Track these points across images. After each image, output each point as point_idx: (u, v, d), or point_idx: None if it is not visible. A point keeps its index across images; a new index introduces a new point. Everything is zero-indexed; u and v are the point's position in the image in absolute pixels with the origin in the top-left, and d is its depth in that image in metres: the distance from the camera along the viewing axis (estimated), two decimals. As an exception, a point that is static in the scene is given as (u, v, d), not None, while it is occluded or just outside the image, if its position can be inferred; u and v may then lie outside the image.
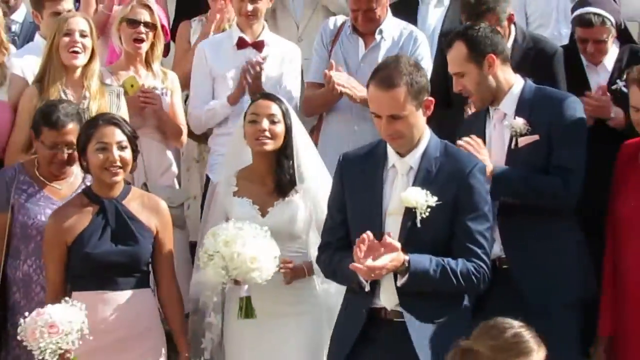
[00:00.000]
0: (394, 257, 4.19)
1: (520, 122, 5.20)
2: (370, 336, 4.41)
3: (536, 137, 5.19)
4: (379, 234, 4.33)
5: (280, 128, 5.35)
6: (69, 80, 6.25)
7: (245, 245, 4.87)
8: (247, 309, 5.13)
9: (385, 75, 4.40)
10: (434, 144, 4.49)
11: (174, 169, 6.96)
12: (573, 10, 6.39)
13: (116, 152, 5.16)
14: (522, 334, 3.84)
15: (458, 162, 4.47)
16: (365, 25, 6.57)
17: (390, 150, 4.48)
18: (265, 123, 5.31)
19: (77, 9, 7.35)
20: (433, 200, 4.27)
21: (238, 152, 5.61)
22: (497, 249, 5.28)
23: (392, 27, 6.68)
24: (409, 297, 4.34)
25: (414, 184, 4.37)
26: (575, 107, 5.27)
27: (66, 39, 6.23)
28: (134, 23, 6.64)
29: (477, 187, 4.41)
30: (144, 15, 6.66)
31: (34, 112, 5.81)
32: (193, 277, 5.85)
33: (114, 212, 5.24)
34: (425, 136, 4.49)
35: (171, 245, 5.52)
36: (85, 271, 5.18)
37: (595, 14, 6.10)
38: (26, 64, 6.69)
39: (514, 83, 5.34)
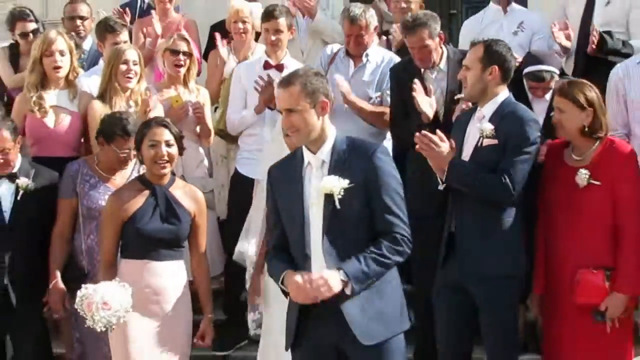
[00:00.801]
0: (333, 284, 4.04)
1: (488, 126, 5.10)
2: (311, 312, 4.21)
3: (496, 141, 5.08)
4: (304, 224, 4.27)
5: None
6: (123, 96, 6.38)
7: None
8: None
9: (285, 77, 4.37)
10: (340, 140, 4.31)
11: (206, 163, 6.98)
12: (523, 63, 6.26)
13: (164, 149, 5.12)
14: None
15: (362, 149, 4.28)
16: (355, 47, 6.57)
17: (305, 152, 4.34)
18: None
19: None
20: (345, 183, 4.11)
21: (278, 152, 5.35)
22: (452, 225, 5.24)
23: (376, 53, 6.69)
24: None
25: (328, 174, 4.19)
26: (531, 126, 5.14)
27: (123, 66, 6.36)
28: (175, 52, 6.72)
29: (381, 165, 4.21)
30: (183, 46, 6.74)
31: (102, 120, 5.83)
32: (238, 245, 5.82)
33: (163, 197, 5.19)
34: (331, 134, 4.30)
35: (205, 228, 5.47)
36: (135, 243, 5.15)
37: (546, 71, 6.04)
38: (92, 82, 6.78)
39: (500, 93, 5.23)
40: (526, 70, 6.13)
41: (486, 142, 5.10)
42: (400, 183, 4.34)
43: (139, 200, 5.18)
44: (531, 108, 5.79)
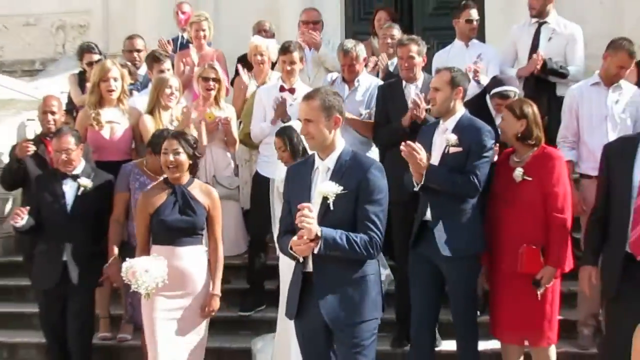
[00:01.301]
0: (313, 226, 3.86)
1: (453, 137, 5.12)
2: (308, 291, 4.08)
3: (460, 149, 5.11)
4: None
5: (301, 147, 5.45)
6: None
7: None
8: None
9: (309, 92, 4.24)
10: (346, 152, 4.12)
11: (232, 165, 6.97)
12: (490, 86, 6.25)
13: (172, 156, 5.04)
14: None
15: (361, 163, 4.09)
16: (348, 74, 6.58)
17: (316, 158, 4.17)
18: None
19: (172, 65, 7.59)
20: (339, 189, 3.95)
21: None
22: (428, 215, 5.19)
23: (366, 79, 6.69)
24: (321, 262, 4.00)
25: (330, 179, 4.03)
26: (488, 136, 5.18)
27: (168, 90, 6.50)
28: (206, 79, 6.76)
29: (373, 180, 4.00)
30: (212, 74, 6.77)
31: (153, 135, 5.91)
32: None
33: (181, 194, 5.11)
34: (339, 146, 4.13)
35: (218, 219, 5.28)
36: (161, 232, 5.10)
37: (511, 91, 6.00)
38: (143, 101, 6.91)
39: (458, 111, 5.27)
40: (494, 90, 6.09)
41: (452, 149, 5.14)
42: (386, 197, 4.14)
43: (163, 197, 5.13)
44: (494, 121, 5.86)
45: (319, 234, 3.88)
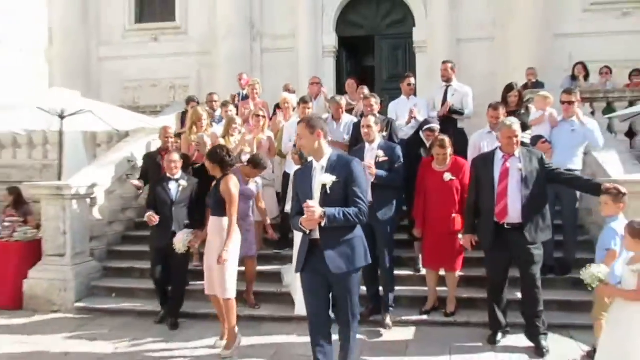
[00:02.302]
0: (317, 210, 3.45)
1: (381, 152, 5.09)
2: (313, 252, 3.59)
3: (386, 158, 5.07)
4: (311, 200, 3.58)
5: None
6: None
7: None
8: None
9: (300, 119, 3.89)
10: (333, 155, 3.64)
11: (271, 166, 6.87)
12: (422, 125, 5.96)
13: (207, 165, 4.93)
14: None
15: (345, 160, 3.63)
16: (336, 115, 6.53)
17: (313, 161, 3.67)
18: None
19: (236, 106, 7.57)
20: (334, 178, 3.53)
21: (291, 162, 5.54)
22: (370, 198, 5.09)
23: (346, 118, 6.60)
24: (325, 231, 3.51)
25: (324, 173, 3.59)
26: (399, 150, 5.14)
27: (234, 125, 6.40)
28: (257, 116, 6.72)
29: (356, 170, 3.56)
30: (260, 113, 6.74)
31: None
32: (286, 206, 5.75)
33: (214, 185, 4.89)
34: (328, 152, 3.64)
35: (230, 200, 4.73)
36: (211, 208, 4.89)
37: (434, 126, 5.89)
38: (219, 129, 6.81)
39: (378, 138, 5.18)
40: (425, 127, 5.95)
41: (381, 159, 5.09)
42: (366, 182, 3.73)
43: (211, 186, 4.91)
44: (426, 146, 5.79)
45: (323, 213, 3.44)
